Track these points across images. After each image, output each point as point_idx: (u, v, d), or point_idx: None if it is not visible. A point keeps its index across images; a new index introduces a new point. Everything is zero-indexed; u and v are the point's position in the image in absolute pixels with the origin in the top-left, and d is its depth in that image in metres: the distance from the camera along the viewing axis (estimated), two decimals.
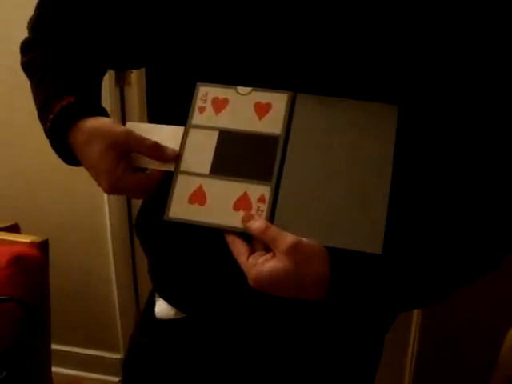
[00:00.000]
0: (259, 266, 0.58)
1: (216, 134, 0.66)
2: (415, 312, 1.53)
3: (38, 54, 0.73)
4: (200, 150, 0.65)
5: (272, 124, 0.64)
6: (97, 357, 1.92)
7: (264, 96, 0.65)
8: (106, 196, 1.69)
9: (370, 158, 0.61)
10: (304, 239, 0.58)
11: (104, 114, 0.68)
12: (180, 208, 0.64)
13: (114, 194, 0.67)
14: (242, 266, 0.60)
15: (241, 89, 0.66)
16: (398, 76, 0.62)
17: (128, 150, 0.65)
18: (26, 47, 0.76)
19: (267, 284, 0.58)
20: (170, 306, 0.79)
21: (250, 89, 0.66)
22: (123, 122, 1.59)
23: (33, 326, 1.10)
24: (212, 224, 0.62)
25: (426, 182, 0.65)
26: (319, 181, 0.62)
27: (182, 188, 0.64)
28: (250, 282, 0.59)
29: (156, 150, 0.65)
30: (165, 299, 0.79)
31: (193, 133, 0.66)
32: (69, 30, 0.73)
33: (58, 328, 1.36)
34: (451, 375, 1.52)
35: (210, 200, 0.63)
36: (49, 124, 0.66)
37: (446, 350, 1.50)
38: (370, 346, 0.82)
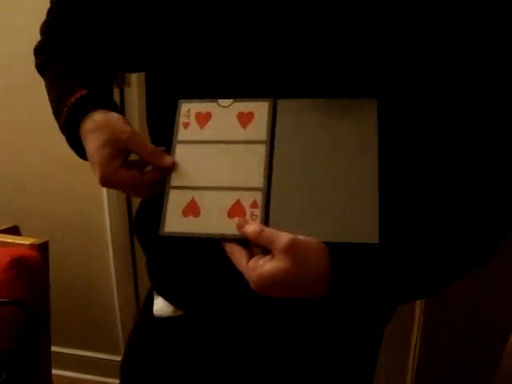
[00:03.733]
0: (259, 268, 0.58)
1: (203, 146, 0.67)
2: (417, 311, 1.53)
3: (51, 55, 0.76)
4: (189, 164, 0.67)
5: (256, 131, 0.66)
6: (97, 359, 1.91)
7: (246, 106, 0.67)
8: (105, 197, 1.69)
9: (355, 151, 0.63)
10: (300, 236, 0.58)
11: (115, 108, 0.70)
12: (175, 222, 0.65)
13: (106, 186, 0.68)
14: (243, 272, 0.60)
15: (222, 101, 0.68)
16: (387, 73, 0.62)
17: (128, 149, 0.66)
18: (39, 49, 0.79)
19: (270, 285, 0.58)
20: (168, 304, 0.79)
21: (230, 100, 0.68)
22: None
23: (33, 328, 1.10)
24: (208, 234, 0.64)
25: (420, 173, 0.66)
26: (309, 179, 0.63)
27: (175, 202, 0.66)
28: (252, 286, 0.59)
29: (155, 155, 0.66)
30: (163, 297, 0.80)
31: (180, 148, 0.68)
32: (77, 32, 0.77)
33: (59, 330, 1.36)
34: (453, 375, 1.51)
35: (204, 211, 0.65)
36: (64, 116, 0.69)
37: (448, 351, 1.50)
38: (369, 339, 0.82)
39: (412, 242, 0.63)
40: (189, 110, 0.69)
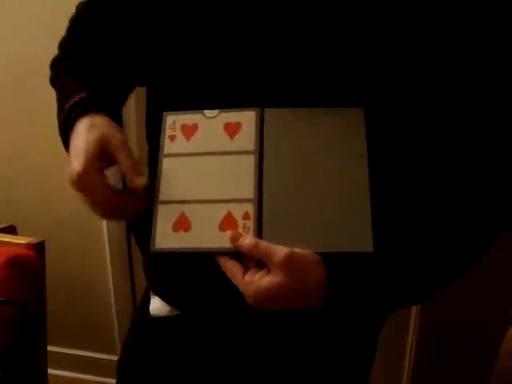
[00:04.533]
0: (256, 282, 0.58)
1: (190, 159, 0.66)
2: (413, 312, 1.53)
3: (65, 64, 0.76)
4: (176, 178, 0.65)
5: (244, 142, 0.65)
6: (93, 358, 1.91)
7: (232, 116, 0.66)
8: None
9: (345, 160, 0.62)
10: (296, 249, 0.58)
11: (116, 116, 0.69)
12: (165, 238, 0.63)
13: (77, 186, 0.65)
14: (239, 286, 0.60)
15: (208, 112, 0.67)
16: (379, 80, 0.62)
17: (112, 157, 0.64)
18: (54, 63, 0.79)
19: (267, 299, 0.58)
20: (164, 304, 0.79)
21: (217, 111, 0.67)
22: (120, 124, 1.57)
23: (29, 328, 1.10)
24: (201, 248, 0.62)
25: (411, 180, 0.66)
26: (299, 189, 0.62)
27: (164, 218, 0.64)
28: (249, 301, 0.59)
29: (132, 170, 0.63)
30: (159, 296, 0.80)
31: (167, 162, 0.66)
32: (93, 46, 0.77)
33: (55, 329, 1.36)
34: (449, 376, 1.52)
35: (195, 225, 0.63)
36: (62, 117, 0.68)
37: (444, 352, 1.50)
38: (364, 342, 0.82)
39: (406, 248, 0.63)
40: (174, 122, 0.67)
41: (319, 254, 0.59)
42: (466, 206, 0.64)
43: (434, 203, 0.65)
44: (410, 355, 1.57)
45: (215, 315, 0.75)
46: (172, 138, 0.67)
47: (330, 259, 0.59)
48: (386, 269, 0.61)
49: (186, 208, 0.64)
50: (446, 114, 0.63)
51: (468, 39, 0.60)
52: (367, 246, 0.59)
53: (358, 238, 0.59)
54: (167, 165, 0.66)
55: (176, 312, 0.78)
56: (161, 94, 0.74)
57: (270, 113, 0.65)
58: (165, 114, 0.68)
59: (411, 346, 1.56)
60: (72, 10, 0.81)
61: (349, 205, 0.61)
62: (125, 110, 1.63)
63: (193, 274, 0.74)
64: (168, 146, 0.67)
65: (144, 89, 0.79)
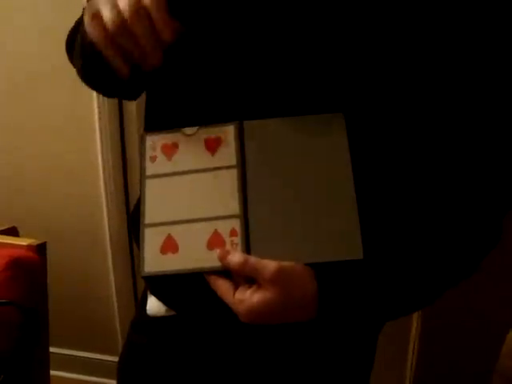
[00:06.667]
0: (247, 300, 0.58)
1: (173, 179, 0.65)
2: (414, 316, 1.52)
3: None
4: (161, 199, 0.65)
5: (226, 157, 0.64)
6: (95, 360, 1.91)
7: (211, 131, 0.65)
8: (104, 199, 1.69)
9: (329, 168, 0.62)
10: (285, 263, 0.57)
11: None
12: (154, 261, 0.63)
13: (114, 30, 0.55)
14: (230, 305, 0.59)
15: (187, 130, 0.66)
16: (369, 85, 0.61)
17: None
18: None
19: (260, 315, 0.58)
20: (160, 304, 0.79)
21: (196, 128, 0.66)
22: (121, 124, 1.58)
23: (31, 330, 1.10)
24: (190, 269, 0.62)
25: (402, 185, 0.65)
26: (285, 201, 0.61)
27: (152, 241, 0.63)
28: (242, 319, 0.59)
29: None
30: (156, 296, 0.80)
31: (149, 183, 0.65)
32: None
33: (57, 331, 1.36)
34: (451, 378, 1.52)
35: (183, 246, 0.62)
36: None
37: (446, 354, 1.50)
38: (361, 347, 0.81)
39: (399, 256, 0.62)
40: (154, 142, 0.66)
41: (309, 265, 0.59)
42: (462, 212, 0.64)
43: (429, 210, 0.65)
44: (412, 357, 1.57)
45: (211, 317, 0.75)
46: (153, 158, 0.66)
47: (320, 270, 0.59)
48: (379, 278, 0.61)
49: (173, 229, 0.63)
50: (443, 116, 0.63)
51: (467, 41, 0.60)
52: (357, 254, 0.58)
53: (347, 245, 0.58)
54: (150, 186, 0.65)
55: (172, 312, 0.78)
56: (158, 98, 0.73)
57: (248, 125, 0.64)
58: (143, 134, 0.67)
59: (413, 348, 1.56)
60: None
61: (334, 213, 0.60)
62: (125, 110, 1.63)
63: (188, 275, 0.73)
64: (150, 168, 0.66)
65: None
